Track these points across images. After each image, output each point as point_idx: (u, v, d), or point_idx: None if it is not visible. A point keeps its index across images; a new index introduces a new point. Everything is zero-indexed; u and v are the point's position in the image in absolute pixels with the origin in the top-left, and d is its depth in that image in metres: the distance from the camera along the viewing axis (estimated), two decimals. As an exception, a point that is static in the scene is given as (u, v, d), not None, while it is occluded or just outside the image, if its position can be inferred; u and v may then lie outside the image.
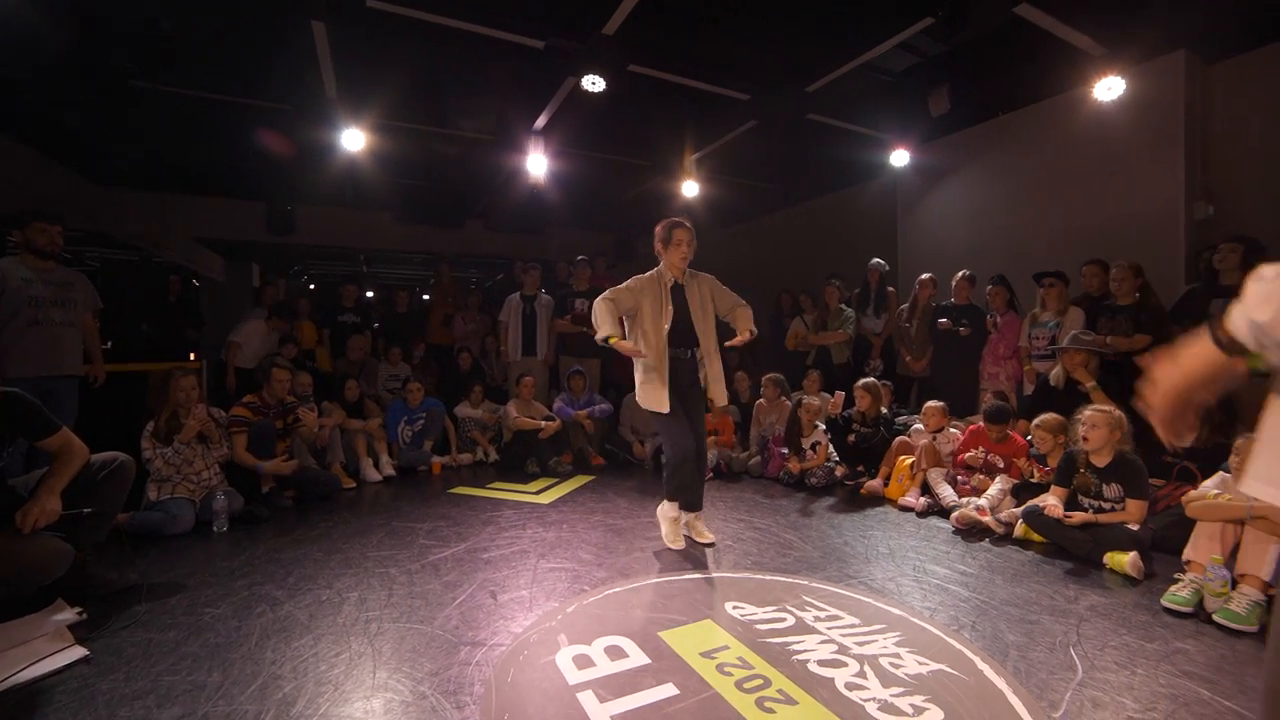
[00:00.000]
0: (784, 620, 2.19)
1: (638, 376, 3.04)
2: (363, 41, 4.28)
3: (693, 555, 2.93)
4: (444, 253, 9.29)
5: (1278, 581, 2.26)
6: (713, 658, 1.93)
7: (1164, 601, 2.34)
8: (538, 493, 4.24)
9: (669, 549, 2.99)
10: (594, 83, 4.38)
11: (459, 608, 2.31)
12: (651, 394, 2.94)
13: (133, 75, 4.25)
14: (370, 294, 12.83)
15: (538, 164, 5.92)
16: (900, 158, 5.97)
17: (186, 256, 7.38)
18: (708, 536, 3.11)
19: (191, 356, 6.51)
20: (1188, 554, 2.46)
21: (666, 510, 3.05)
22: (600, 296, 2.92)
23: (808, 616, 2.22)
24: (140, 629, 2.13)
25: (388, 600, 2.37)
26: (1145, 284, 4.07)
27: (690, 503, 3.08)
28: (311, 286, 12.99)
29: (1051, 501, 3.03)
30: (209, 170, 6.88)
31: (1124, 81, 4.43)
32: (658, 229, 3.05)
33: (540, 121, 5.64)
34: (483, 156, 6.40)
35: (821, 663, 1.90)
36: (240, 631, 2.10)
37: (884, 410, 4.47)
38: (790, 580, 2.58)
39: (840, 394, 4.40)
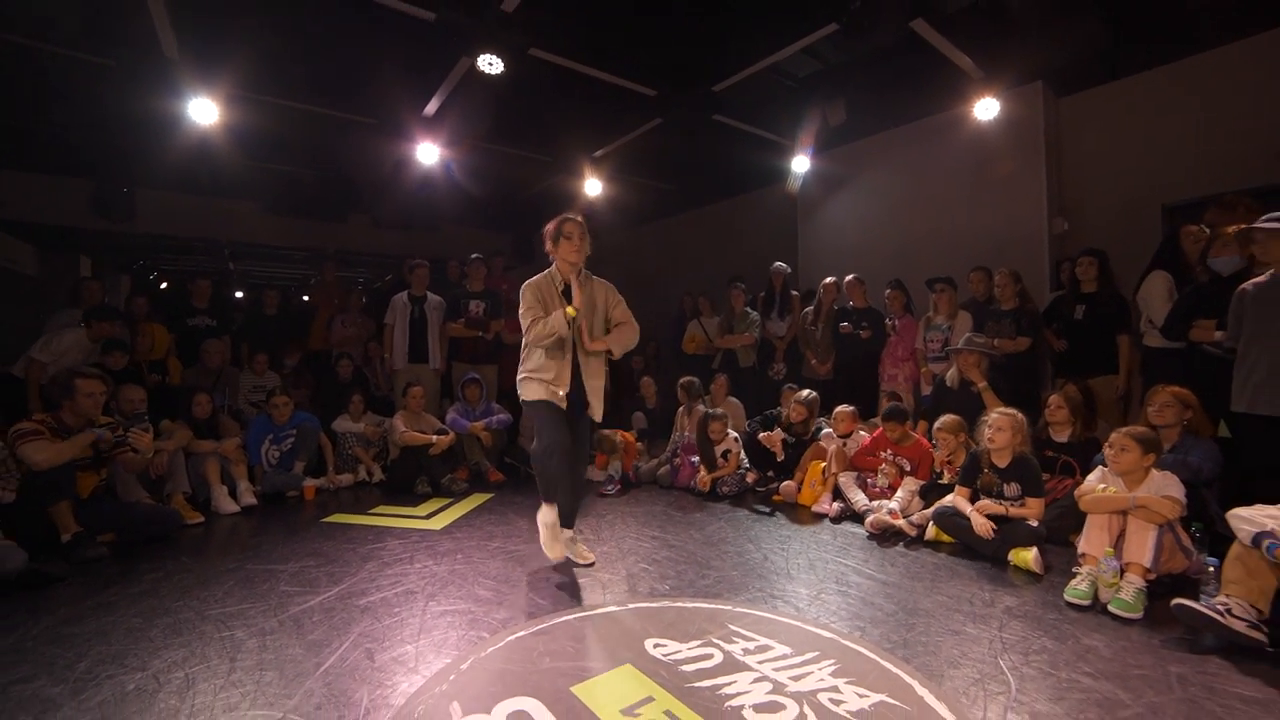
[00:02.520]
0: (711, 657, 1.97)
1: (522, 371, 2.86)
2: (208, -8, 3.62)
3: (604, 581, 2.66)
4: (325, 249, 8.37)
5: (1156, 566, 2.39)
6: (636, 714, 1.66)
7: (1066, 596, 2.41)
8: (428, 516, 3.77)
9: (581, 574, 2.70)
10: (490, 64, 4.01)
11: (324, 677, 1.86)
12: (531, 386, 2.80)
13: None
14: (239, 294, 11.33)
15: (428, 153, 5.41)
16: (801, 163, 6.09)
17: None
18: (588, 557, 2.90)
19: None
20: (1082, 547, 2.56)
21: (543, 515, 2.79)
22: (525, 315, 2.79)
23: (736, 650, 2.02)
24: None
25: (227, 678, 1.86)
26: (1024, 289, 4.36)
27: (565, 515, 2.87)
28: (164, 285, 11.24)
29: (961, 503, 3.08)
30: (12, 137, 5.61)
31: (997, 103, 4.75)
32: (548, 227, 2.87)
33: (432, 106, 5.14)
34: (366, 142, 5.75)
35: (757, 707, 1.69)
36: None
37: (816, 426, 4.40)
38: (713, 606, 2.38)
39: (779, 433, 4.28)
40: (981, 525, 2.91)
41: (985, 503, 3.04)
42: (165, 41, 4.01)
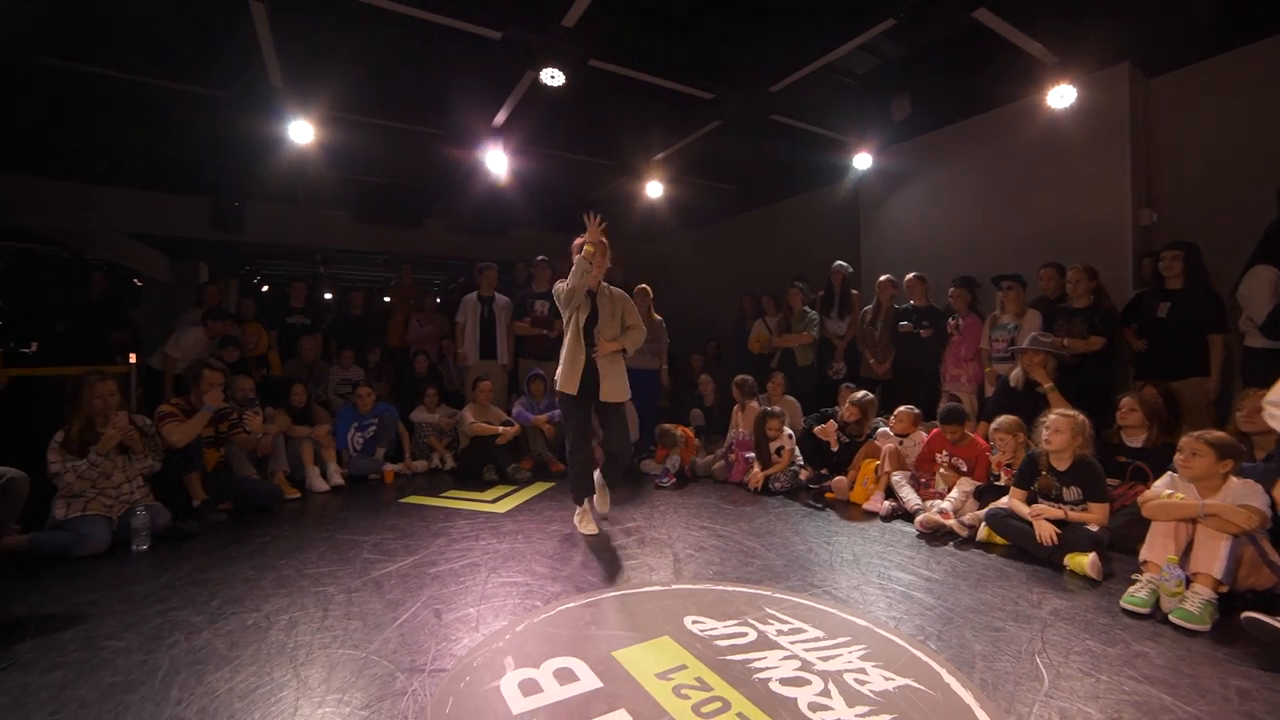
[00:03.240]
0: (745, 635, 2.09)
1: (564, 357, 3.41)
2: (307, 27, 4.06)
3: (652, 564, 2.82)
4: (404, 253, 9.00)
5: (1230, 579, 2.27)
6: (669, 679, 1.81)
7: (1122, 603, 2.33)
8: (494, 501, 4.06)
9: (630, 558, 2.87)
10: (553, 77, 4.25)
11: (399, 629, 2.13)
12: (565, 375, 3.36)
13: (41, 51, 3.92)
14: (329, 296, 12.37)
15: (497, 161, 5.75)
16: (863, 161, 6.00)
17: (120, 253, 6.90)
18: (603, 509, 3.54)
19: (132, 359, 6.00)
20: (1144, 554, 2.46)
21: (577, 516, 3.44)
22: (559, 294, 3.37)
23: (770, 630, 2.13)
24: (20, 672, 1.87)
25: (321, 623, 2.18)
26: (1099, 287, 4.15)
27: (607, 471, 3.50)
28: (265, 288, 12.44)
29: (1017, 505, 3.02)
30: (147, 162, 6.46)
31: (1075, 90, 4.52)
32: (575, 242, 3.39)
33: (500, 117, 5.47)
34: (440, 153, 6.19)
35: (784, 681, 1.80)
36: (145, 667, 1.88)
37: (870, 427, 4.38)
38: (753, 591, 2.48)
39: (833, 424, 4.32)
40: (1045, 531, 2.81)
41: (1043, 506, 2.96)
42: (273, 73, 4.52)
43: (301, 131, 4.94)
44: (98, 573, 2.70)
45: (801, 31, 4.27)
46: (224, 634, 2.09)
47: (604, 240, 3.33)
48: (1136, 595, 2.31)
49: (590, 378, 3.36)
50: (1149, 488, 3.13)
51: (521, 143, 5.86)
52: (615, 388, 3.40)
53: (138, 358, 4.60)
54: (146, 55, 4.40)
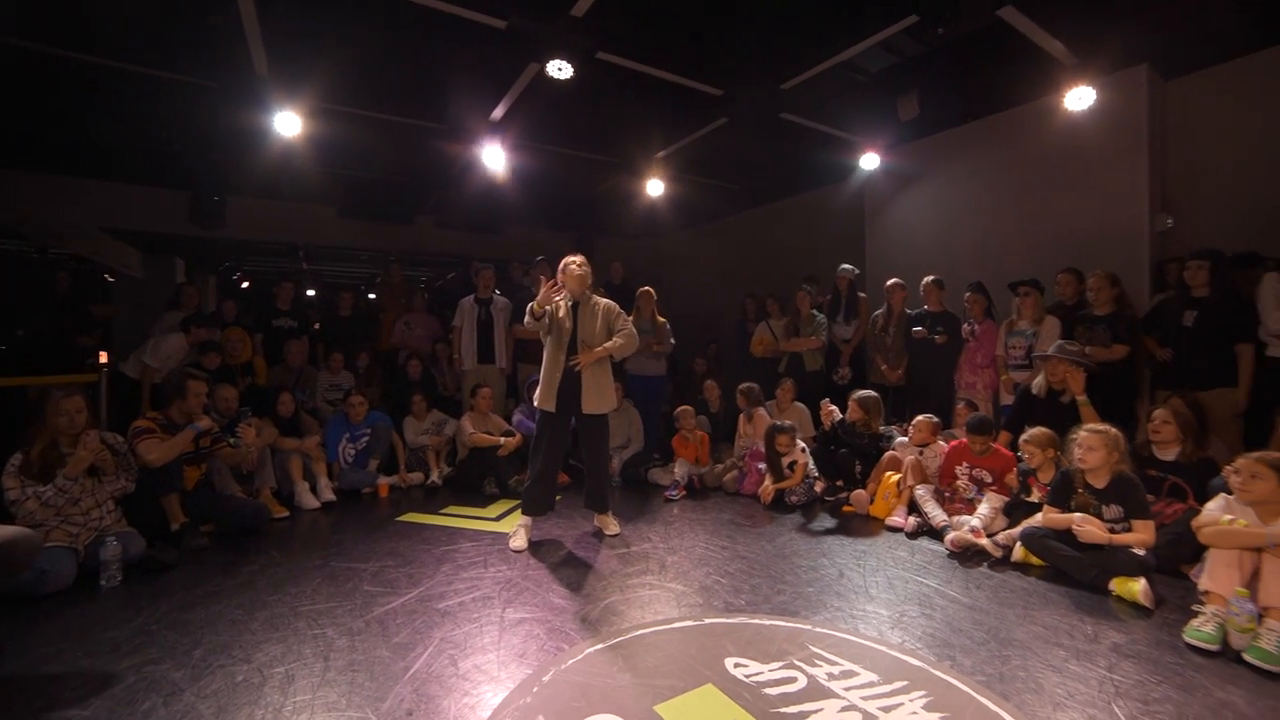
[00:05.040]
0: (795, 681, 1.91)
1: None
2: (297, 12, 3.78)
3: (678, 592, 2.63)
4: (391, 250, 8.69)
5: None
6: (722, 740, 1.63)
7: (1187, 637, 2.19)
8: (498, 518, 3.84)
9: (651, 586, 2.69)
10: (560, 69, 4.02)
11: (411, 682, 1.92)
12: (543, 392, 3.34)
13: (9, 34, 3.60)
14: (311, 292, 11.94)
15: (495, 157, 5.50)
16: (870, 161, 5.85)
17: (91, 249, 6.49)
18: (614, 528, 3.49)
19: (103, 359, 5.54)
20: (1205, 584, 2.32)
21: (522, 521, 3.38)
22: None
23: (820, 674, 1.95)
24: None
25: (323, 676, 1.95)
26: (1122, 294, 4.04)
27: (595, 498, 3.53)
28: (245, 284, 11.98)
29: (1056, 519, 2.87)
30: (123, 154, 6.08)
31: (1093, 92, 4.41)
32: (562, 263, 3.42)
33: (499, 111, 5.22)
34: (435, 147, 5.91)
35: (849, 741, 1.63)
36: (119, 741, 1.64)
37: (881, 429, 4.23)
38: (792, 625, 2.31)
39: (827, 401, 4.14)
40: (1089, 531, 2.68)
41: (1089, 525, 2.81)
42: (258, 61, 4.23)
43: (288, 123, 4.64)
44: (61, 616, 2.40)
45: (819, 27, 4.09)
46: (209, 694, 1.83)
47: (582, 260, 3.39)
48: (1203, 630, 2.17)
49: (571, 390, 3.30)
50: (1188, 505, 3.06)
51: (520, 138, 5.62)
52: (599, 399, 3.34)
53: (109, 361, 4.26)
54: (123, 39, 4.07)
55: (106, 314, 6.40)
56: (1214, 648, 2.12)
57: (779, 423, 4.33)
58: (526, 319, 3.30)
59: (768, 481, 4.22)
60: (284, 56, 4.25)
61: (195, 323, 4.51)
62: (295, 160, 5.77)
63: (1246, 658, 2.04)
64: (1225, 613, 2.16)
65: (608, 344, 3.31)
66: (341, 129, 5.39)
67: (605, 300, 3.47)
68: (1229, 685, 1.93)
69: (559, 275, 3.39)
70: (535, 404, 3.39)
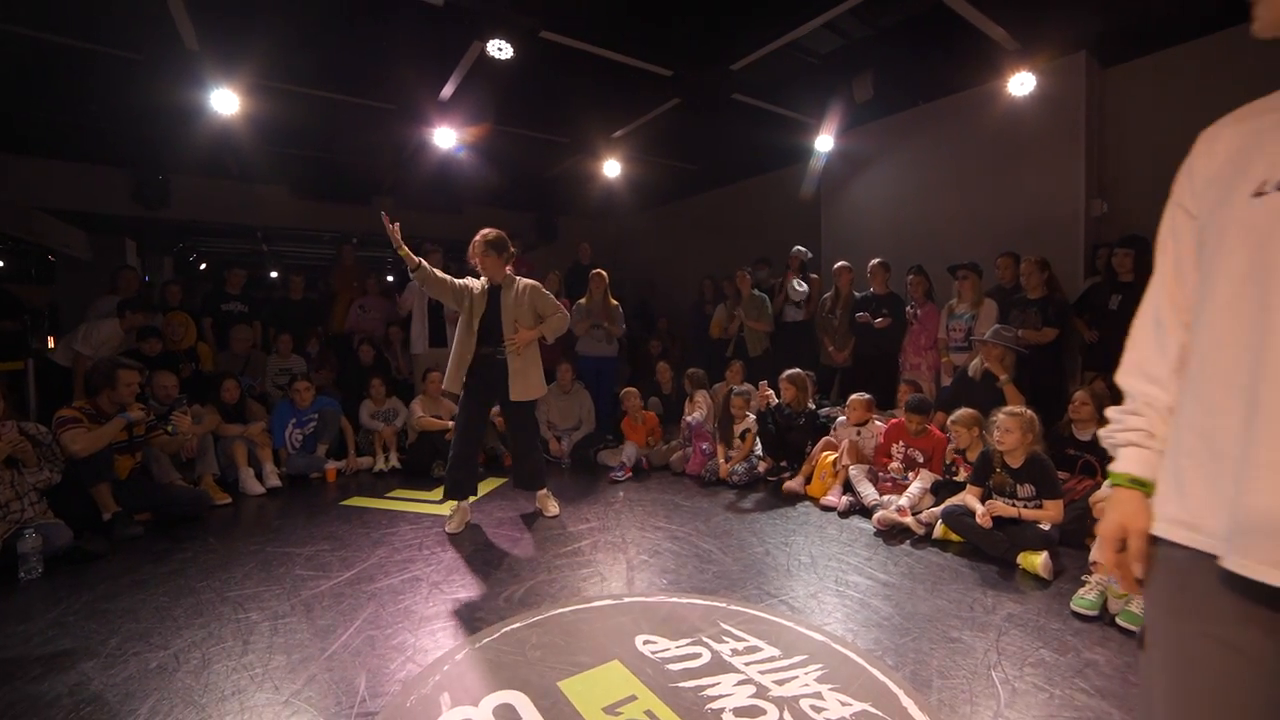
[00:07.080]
0: (699, 657, 2.00)
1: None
2: (223, -15, 3.65)
3: (604, 574, 2.71)
4: (351, 231, 8.51)
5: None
6: (617, 713, 1.70)
7: (1072, 605, 2.35)
8: (442, 501, 3.86)
9: (582, 565, 2.76)
10: (500, 49, 3.95)
11: (327, 663, 1.96)
12: (450, 375, 3.28)
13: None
14: (275, 274, 11.62)
15: (445, 137, 5.41)
16: (824, 142, 5.89)
17: (24, 229, 6.24)
18: (553, 510, 3.53)
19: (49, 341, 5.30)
20: (1094, 554, 2.47)
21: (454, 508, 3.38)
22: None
23: (724, 650, 2.04)
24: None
25: (240, 660, 1.98)
26: (1052, 277, 4.17)
27: (527, 477, 3.54)
28: (203, 265, 11.64)
29: (971, 502, 3.01)
30: (51, 129, 5.83)
31: (1034, 77, 4.48)
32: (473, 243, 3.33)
33: (447, 90, 5.11)
34: (385, 127, 5.79)
35: (738, 711, 1.71)
36: (18, 730, 1.66)
37: (811, 405, 4.36)
38: (708, 603, 2.40)
39: (765, 384, 4.25)
40: (981, 515, 2.85)
41: (996, 503, 2.97)
42: (186, 35, 4.07)
43: (225, 100, 4.50)
44: (-24, 609, 2.38)
45: (765, 7, 4.08)
46: (118, 683, 1.85)
47: (492, 240, 3.25)
48: (1085, 598, 2.32)
49: (494, 375, 3.24)
50: (1096, 482, 3.22)
51: (471, 118, 5.52)
52: (527, 385, 3.29)
53: (40, 350, 4.14)
54: (43, 8, 3.88)
55: (41, 297, 6.18)
56: (1093, 613, 2.28)
57: (736, 386, 4.41)
58: (413, 276, 3.14)
59: (721, 460, 4.30)
60: (214, 30, 4.10)
61: (131, 307, 4.39)
62: (239, 139, 5.60)
63: (1119, 621, 2.20)
64: (1105, 581, 2.31)
65: (542, 329, 3.30)
66: (284, 107, 5.24)
67: (527, 280, 3.39)
68: (1097, 647, 2.08)
69: (469, 254, 3.27)
70: (443, 387, 3.36)
